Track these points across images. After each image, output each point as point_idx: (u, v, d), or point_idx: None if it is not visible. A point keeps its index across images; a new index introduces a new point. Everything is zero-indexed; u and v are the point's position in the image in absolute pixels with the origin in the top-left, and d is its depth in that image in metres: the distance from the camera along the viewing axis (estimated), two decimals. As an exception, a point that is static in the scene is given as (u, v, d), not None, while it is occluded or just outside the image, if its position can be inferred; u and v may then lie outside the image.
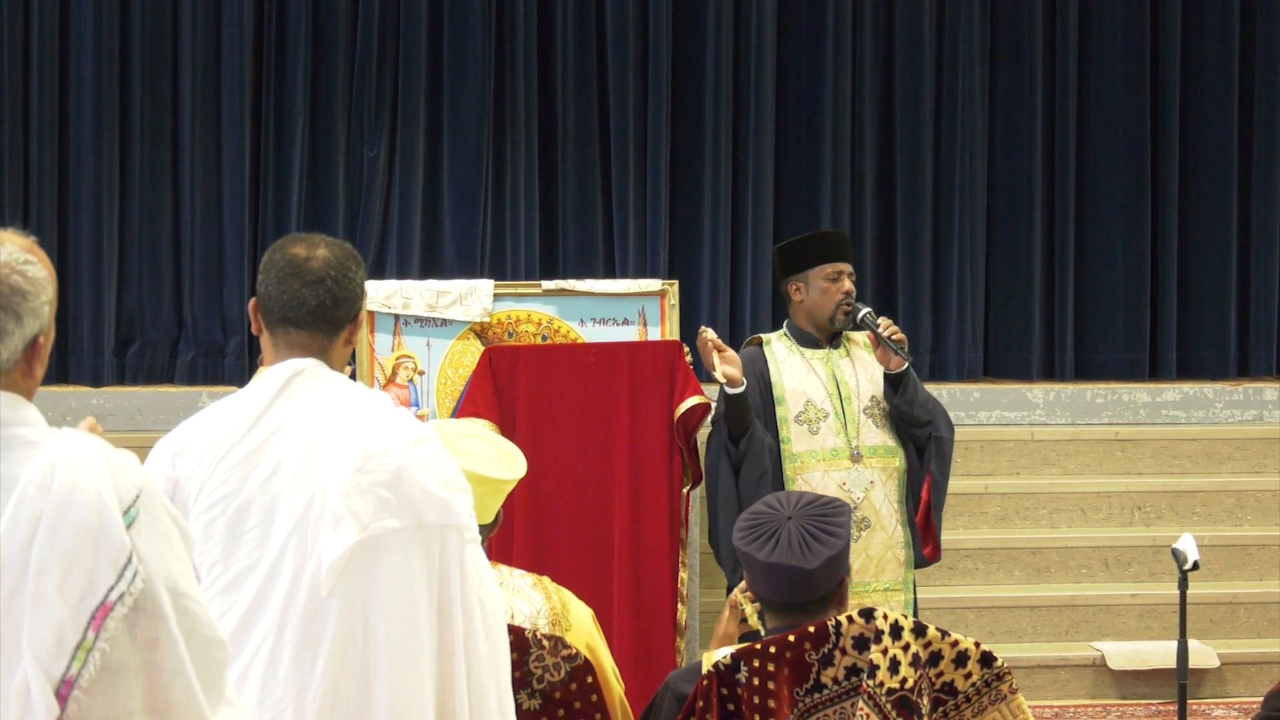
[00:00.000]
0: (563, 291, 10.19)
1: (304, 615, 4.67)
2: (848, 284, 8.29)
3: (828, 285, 8.33)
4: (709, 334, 8.20)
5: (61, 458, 3.75)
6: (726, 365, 8.14)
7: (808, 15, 12.48)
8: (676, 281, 10.56)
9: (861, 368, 8.46)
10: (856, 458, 8.27)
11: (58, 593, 3.65)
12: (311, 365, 4.90)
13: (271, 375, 4.89)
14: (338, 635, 4.66)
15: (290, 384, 4.85)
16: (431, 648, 4.75)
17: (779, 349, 8.41)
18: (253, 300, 5.02)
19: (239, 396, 4.92)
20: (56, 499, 3.70)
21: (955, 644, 5.79)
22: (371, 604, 4.70)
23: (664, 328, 9.92)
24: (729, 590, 7.02)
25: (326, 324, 4.97)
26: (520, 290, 10.23)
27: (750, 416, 8.24)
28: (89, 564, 3.68)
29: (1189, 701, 7.12)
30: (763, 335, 8.52)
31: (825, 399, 8.30)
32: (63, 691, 3.65)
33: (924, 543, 8.32)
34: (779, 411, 8.29)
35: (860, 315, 8.24)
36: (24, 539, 3.67)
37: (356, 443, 4.75)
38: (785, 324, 8.49)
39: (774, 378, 8.34)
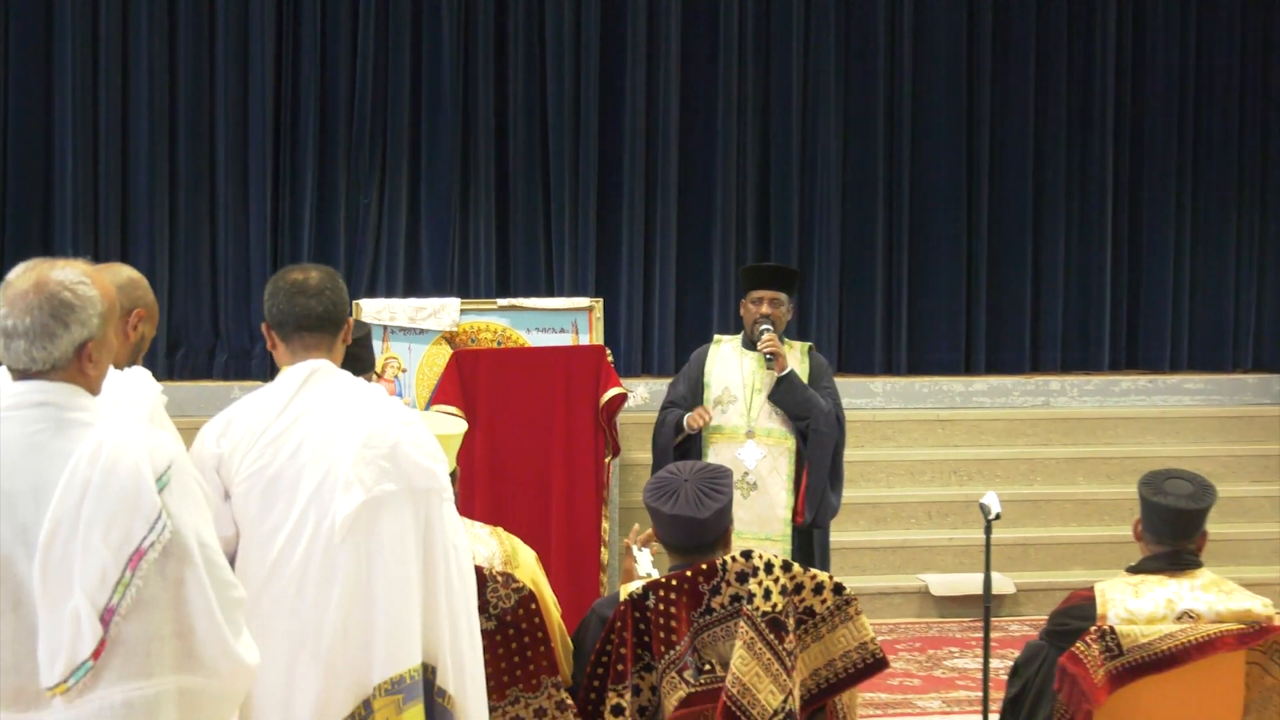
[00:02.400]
0: (514, 307, 10.22)
1: (322, 559, 4.71)
2: (765, 308, 8.24)
3: (751, 307, 8.32)
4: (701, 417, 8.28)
5: (109, 436, 3.80)
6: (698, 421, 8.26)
7: (704, 90, 12.52)
8: (601, 300, 10.64)
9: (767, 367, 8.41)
10: (750, 435, 8.25)
11: (102, 542, 3.69)
12: (325, 365, 4.94)
13: (293, 373, 4.91)
14: (348, 574, 4.70)
15: (309, 381, 4.88)
16: (418, 582, 4.79)
17: (726, 347, 8.38)
18: (264, 323, 5.07)
19: (268, 390, 4.94)
20: (103, 468, 3.74)
21: (814, 577, 5.82)
22: (373, 549, 4.74)
23: (591, 335, 9.96)
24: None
25: (330, 325, 5.00)
26: (480, 306, 10.26)
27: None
28: (127, 519, 3.72)
29: (992, 619, 7.14)
30: (722, 336, 8.51)
31: (738, 388, 8.27)
32: (105, 618, 3.70)
33: (795, 510, 8.31)
34: (704, 395, 8.29)
35: (759, 333, 8.23)
36: (76, 500, 3.71)
37: (361, 425, 4.80)
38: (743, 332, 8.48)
39: (707, 368, 8.32)
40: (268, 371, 11.57)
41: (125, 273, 5.33)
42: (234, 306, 12.00)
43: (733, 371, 8.32)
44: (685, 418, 8.21)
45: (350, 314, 5.10)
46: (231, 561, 4.51)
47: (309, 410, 4.84)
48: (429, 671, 4.81)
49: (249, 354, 11.85)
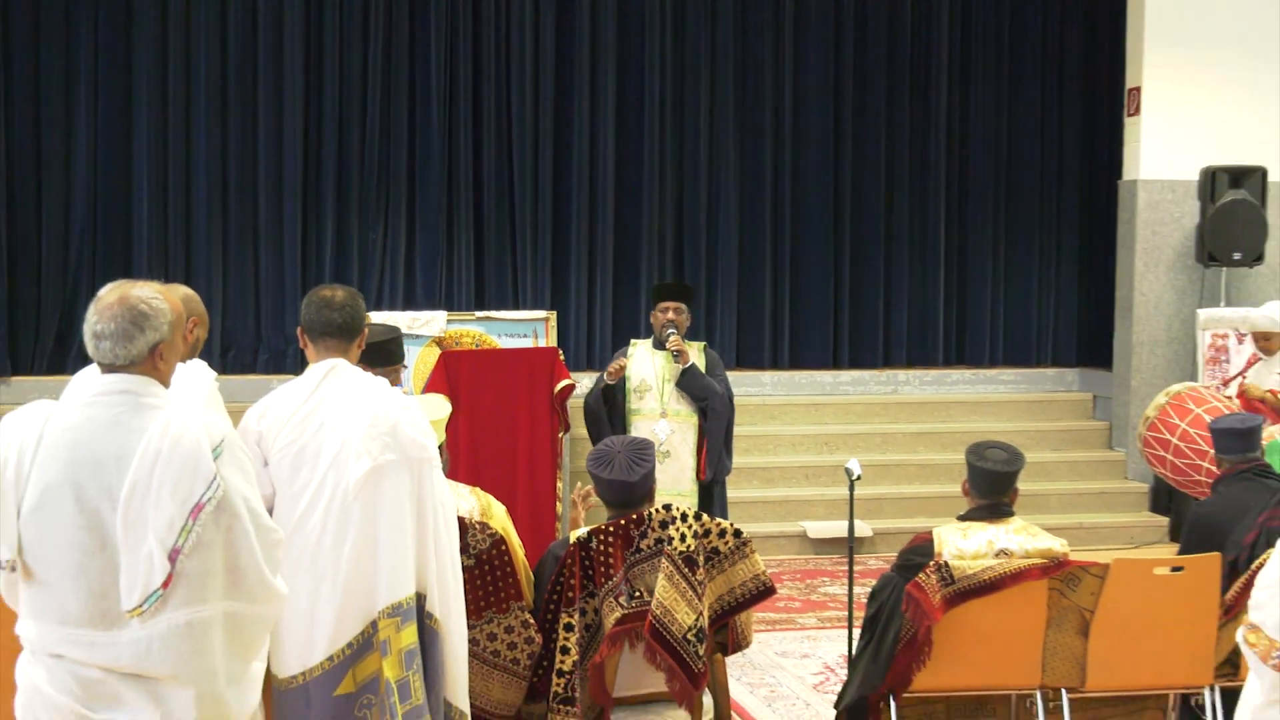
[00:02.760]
0: (488, 318, 10.27)
1: (339, 514, 4.72)
2: (670, 315, 8.29)
3: (659, 315, 8.35)
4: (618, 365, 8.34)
5: (175, 417, 3.83)
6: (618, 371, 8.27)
7: (632, 151, 12.48)
8: (555, 312, 10.79)
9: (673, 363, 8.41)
10: (664, 414, 8.26)
11: (170, 498, 3.72)
12: (342, 363, 4.94)
13: (317, 369, 4.93)
14: (358, 524, 4.73)
15: (329, 375, 4.90)
16: (412, 531, 4.81)
17: (641, 349, 8.39)
18: (299, 327, 5.09)
19: (298, 381, 4.95)
20: (170, 442, 3.76)
21: (718, 524, 5.83)
22: (378, 505, 4.75)
23: (547, 339, 10.04)
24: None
25: (348, 333, 4.99)
26: (462, 317, 10.30)
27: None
28: (189, 481, 3.74)
29: (854, 556, 7.14)
30: (637, 341, 8.52)
31: (652, 379, 8.28)
32: (172, 557, 3.73)
33: (699, 471, 8.33)
34: (626, 385, 8.30)
35: (665, 335, 8.28)
36: (149, 466, 3.74)
37: (368, 409, 4.81)
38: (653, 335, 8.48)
39: (629, 365, 8.34)
40: (298, 367, 11.49)
41: (184, 291, 5.34)
42: (271, 317, 11.93)
43: (647, 367, 8.34)
44: (604, 374, 8.34)
45: (366, 325, 5.11)
46: (269, 514, 4.48)
47: (329, 398, 4.85)
48: (421, 599, 4.82)
49: (284, 354, 11.76)
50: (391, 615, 4.74)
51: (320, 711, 4.72)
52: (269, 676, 4.56)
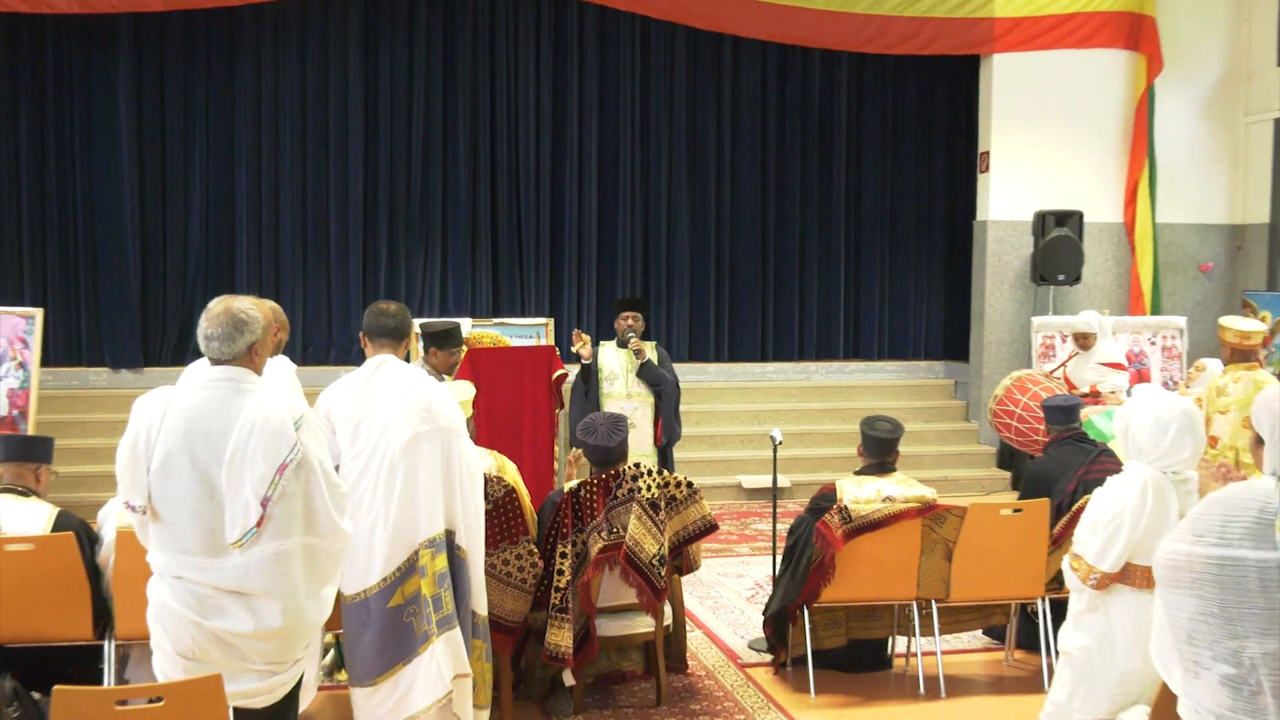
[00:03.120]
0: (502, 323, 10.20)
1: (388, 471, 4.74)
2: (630, 321, 8.28)
3: (621, 322, 8.34)
4: (580, 339, 8.30)
5: (266, 398, 3.86)
6: (584, 349, 8.21)
7: (609, 196, 12.40)
8: (553, 319, 10.66)
9: (632, 359, 8.40)
10: (629, 396, 8.25)
11: (262, 459, 3.73)
12: (391, 358, 4.95)
13: (372, 362, 4.94)
14: (402, 479, 4.74)
15: (381, 366, 4.91)
16: (443, 483, 4.81)
17: (608, 347, 8.35)
18: (361, 331, 5.09)
19: (358, 371, 4.96)
20: (262, 417, 3.78)
21: (675, 477, 5.85)
22: (417, 464, 4.76)
23: (547, 339, 9.94)
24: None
25: (396, 336, 4.99)
26: (483, 323, 10.21)
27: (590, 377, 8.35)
28: (277, 446, 3.76)
29: (777, 502, 7.14)
30: (605, 342, 8.48)
31: (618, 370, 8.25)
32: (263, 504, 3.74)
33: (655, 438, 8.34)
34: (599, 374, 8.28)
35: (626, 338, 8.29)
36: (246, 435, 3.75)
37: (409, 392, 4.83)
38: (616, 337, 8.45)
39: (599, 360, 8.31)
40: (358, 361, 11.49)
41: (271, 304, 5.41)
42: (339, 323, 11.83)
43: (613, 361, 8.34)
44: (578, 352, 8.33)
45: (411, 330, 5.10)
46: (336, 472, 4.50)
47: (380, 383, 4.86)
48: (450, 535, 4.83)
49: (348, 350, 11.65)
50: (428, 547, 4.75)
51: (377, 619, 4.72)
52: (339, 595, 4.59)
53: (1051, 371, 9.60)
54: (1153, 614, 4.26)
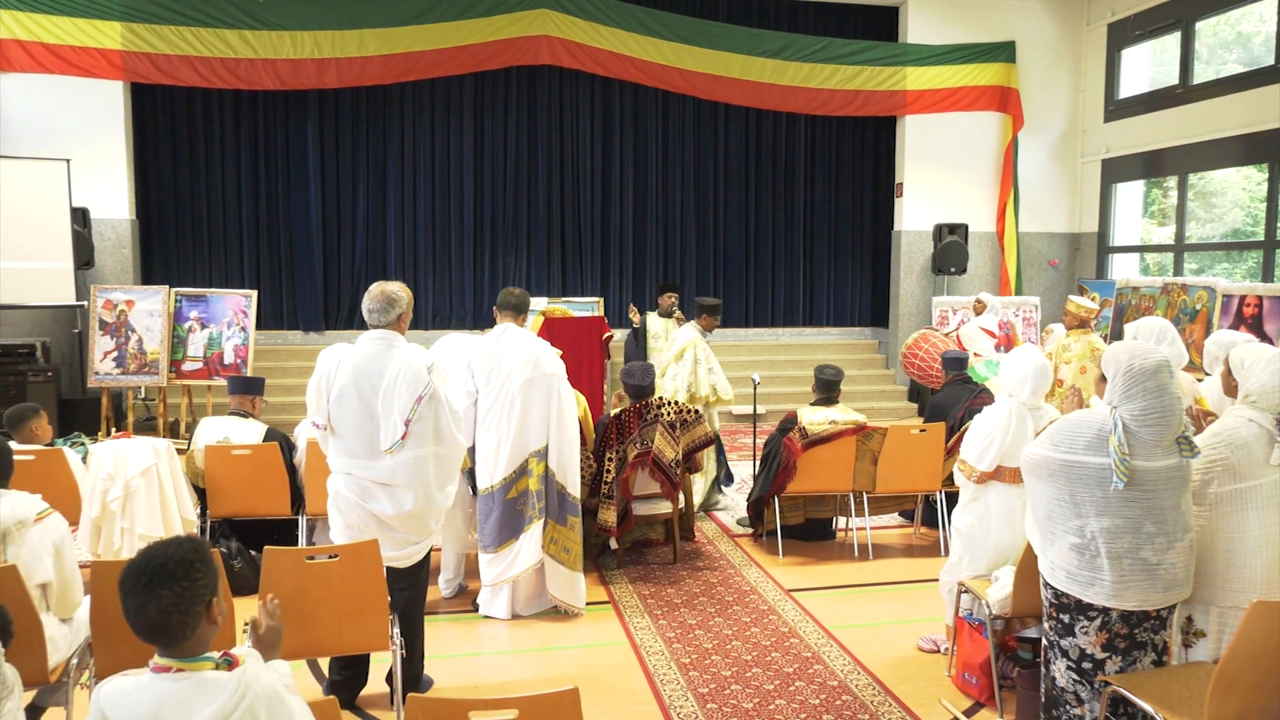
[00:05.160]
0: (568, 301, 10.08)
1: (509, 403, 4.72)
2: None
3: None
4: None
5: (409, 351, 3.80)
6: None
7: (640, 205, 12.20)
8: (602, 298, 10.53)
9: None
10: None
11: (406, 392, 3.71)
12: (512, 325, 4.90)
13: (500, 328, 4.91)
14: (519, 409, 4.72)
15: (505, 330, 4.88)
16: (543, 413, 4.78)
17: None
18: (495, 307, 5.01)
19: (491, 333, 4.90)
20: (405, 363, 3.74)
21: (687, 406, 5.77)
22: (530, 400, 4.74)
23: (600, 311, 9.83)
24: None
25: (517, 310, 4.93)
26: (554, 300, 10.11)
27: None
28: (415, 384, 3.71)
29: (756, 424, 7.07)
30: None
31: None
32: (406, 423, 3.70)
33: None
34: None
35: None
36: (394, 376, 3.71)
37: (524, 348, 4.80)
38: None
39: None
40: (471, 324, 11.45)
41: (404, 286, 5.30)
42: (456, 300, 11.66)
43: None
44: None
45: (528, 307, 5.00)
46: (474, 405, 4.63)
47: (506, 342, 4.82)
48: (547, 449, 4.81)
49: (464, 319, 11.51)
50: (535, 456, 4.74)
51: (500, 505, 4.73)
52: (472, 489, 4.62)
53: (948, 333, 9.46)
54: (1017, 502, 4.21)
